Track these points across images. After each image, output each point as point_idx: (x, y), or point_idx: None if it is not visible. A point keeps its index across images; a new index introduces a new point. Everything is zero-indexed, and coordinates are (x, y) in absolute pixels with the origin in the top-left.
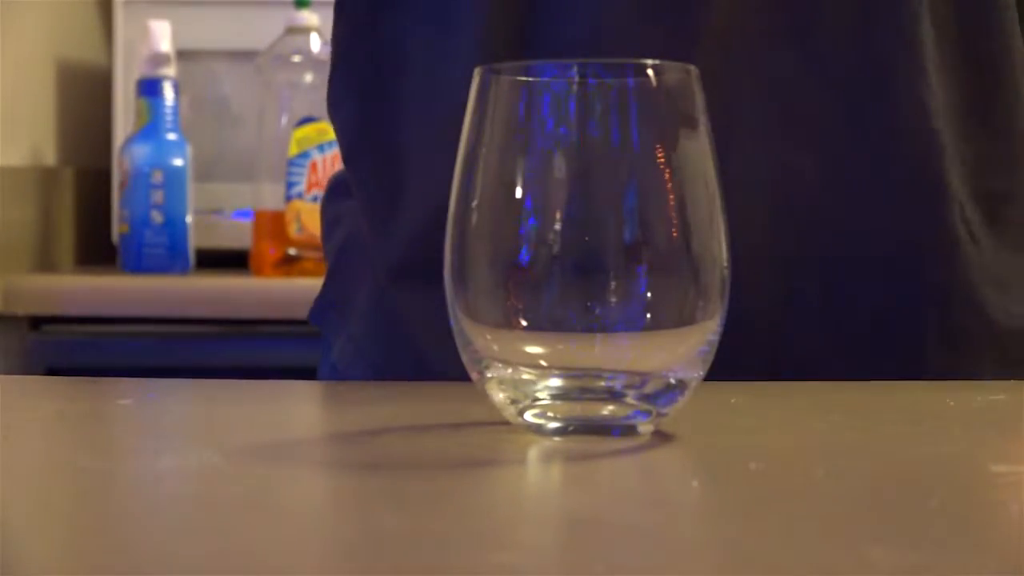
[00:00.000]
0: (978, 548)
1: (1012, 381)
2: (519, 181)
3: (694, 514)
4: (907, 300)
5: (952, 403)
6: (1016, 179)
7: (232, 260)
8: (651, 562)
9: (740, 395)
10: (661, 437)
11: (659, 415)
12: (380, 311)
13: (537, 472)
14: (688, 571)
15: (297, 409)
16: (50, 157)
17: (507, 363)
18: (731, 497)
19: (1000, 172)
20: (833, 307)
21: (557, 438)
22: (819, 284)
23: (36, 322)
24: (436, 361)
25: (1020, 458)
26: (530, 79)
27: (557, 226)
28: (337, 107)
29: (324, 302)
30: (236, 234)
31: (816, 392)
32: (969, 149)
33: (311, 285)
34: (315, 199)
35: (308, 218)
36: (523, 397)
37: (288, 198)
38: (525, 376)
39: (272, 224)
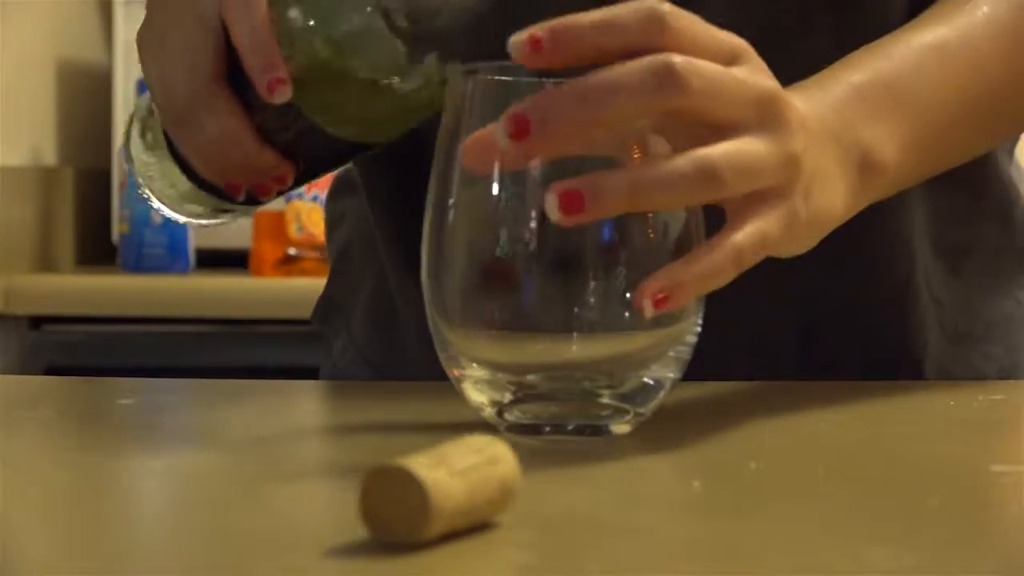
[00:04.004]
0: (978, 548)
1: (1012, 381)
2: (495, 179)
3: (694, 514)
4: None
5: (952, 403)
6: (975, 231)
7: (232, 260)
8: (649, 562)
9: (739, 395)
10: (661, 437)
11: (636, 415)
12: (381, 312)
13: (537, 472)
14: (687, 571)
15: (296, 409)
16: (50, 157)
17: (484, 363)
18: (731, 497)
19: (960, 224)
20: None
21: (535, 438)
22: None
23: (36, 322)
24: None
25: (1020, 458)
26: (506, 78)
27: (533, 224)
28: None
29: (326, 303)
30: (236, 234)
31: (817, 392)
32: (929, 202)
33: (311, 285)
34: (315, 199)
35: (308, 218)
36: (500, 397)
37: (288, 198)
38: (502, 376)
39: (272, 224)
